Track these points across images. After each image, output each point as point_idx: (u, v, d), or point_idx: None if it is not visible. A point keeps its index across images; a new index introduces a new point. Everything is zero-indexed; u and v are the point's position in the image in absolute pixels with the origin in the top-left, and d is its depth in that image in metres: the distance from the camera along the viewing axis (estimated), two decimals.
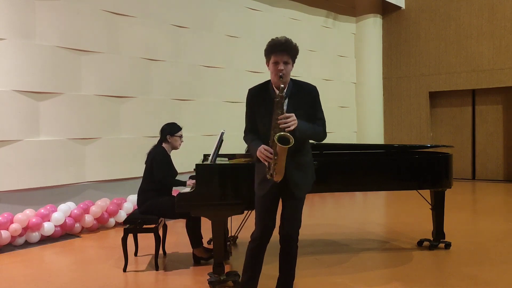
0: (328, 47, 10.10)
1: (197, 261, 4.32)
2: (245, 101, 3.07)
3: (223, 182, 3.63)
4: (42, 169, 5.50)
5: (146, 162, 4.41)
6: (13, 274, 4.14)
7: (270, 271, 3.45)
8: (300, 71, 8.50)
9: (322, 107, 3.04)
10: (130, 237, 4.31)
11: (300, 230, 3.03)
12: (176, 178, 4.44)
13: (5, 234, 4.88)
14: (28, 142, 5.39)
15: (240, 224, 4.77)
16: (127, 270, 4.11)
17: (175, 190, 4.38)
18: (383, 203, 7.96)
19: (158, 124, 4.56)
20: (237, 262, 4.26)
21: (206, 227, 4.12)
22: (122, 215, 5.91)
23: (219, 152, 4.08)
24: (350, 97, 10.80)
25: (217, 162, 3.89)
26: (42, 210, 5.28)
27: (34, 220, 5.11)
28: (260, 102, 2.96)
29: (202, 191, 3.59)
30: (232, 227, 4.86)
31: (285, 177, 2.84)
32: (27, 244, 5.16)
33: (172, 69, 7.02)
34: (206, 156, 4.62)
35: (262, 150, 2.80)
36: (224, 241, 3.75)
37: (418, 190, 4.62)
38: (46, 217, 5.27)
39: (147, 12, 6.68)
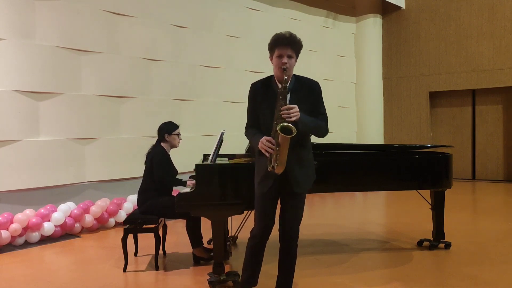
0: (328, 47, 10.10)
1: (197, 261, 4.32)
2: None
3: (223, 182, 3.63)
4: (42, 169, 5.50)
5: (145, 163, 4.41)
6: (13, 274, 4.14)
7: (270, 270, 3.45)
8: (300, 71, 8.47)
9: None
10: (130, 237, 4.31)
11: (300, 230, 3.03)
12: (176, 177, 4.44)
13: (5, 234, 4.88)
14: (28, 142, 5.39)
15: (240, 224, 4.77)
16: (127, 270, 4.11)
17: (175, 190, 4.38)
18: (383, 203, 7.96)
19: (158, 124, 4.56)
20: (237, 262, 4.26)
21: (206, 227, 4.12)
22: (122, 215, 5.91)
23: (219, 152, 4.08)
24: (350, 97, 10.80)
25: (217, 162, 3.89)
26: (42, 210, 5.28)
27: (34, 220, 5.11)
28: (263, 96, 2.96)
29: (202, 191, 3.58)
30: (232, 227, 4.86)
31: (286, 172, 2.83)
32: (27, 244, 5.16)
33: (172, 69, 7.02)
34: (206, 156, 4.62)
35: (264, 141, 2.79)
36: (224, 241, 3.75)
37: (418, 190, 4.62)
38: (46, 217, 5.27)
39: (147, 12, 6.68)
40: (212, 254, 4.14)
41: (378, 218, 6.80)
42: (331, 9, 10.22)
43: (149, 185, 4.31)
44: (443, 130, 10.61)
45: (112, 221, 5.93)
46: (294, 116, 2.71)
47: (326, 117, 3.02)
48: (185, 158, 5.71)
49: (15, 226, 4.96)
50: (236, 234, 4.93)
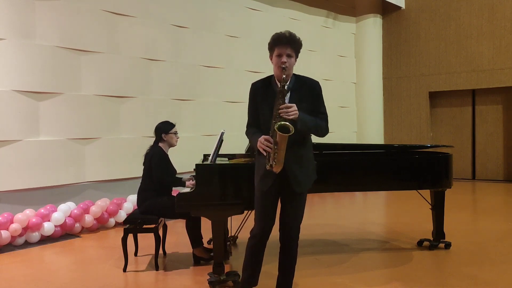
0: (328, 47, 10.10)
1: (197, 261, 4.32)
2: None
3: (223, 182, 3.63)
4: (42, 169, 5.50)
5: (144, 163, 4.41)
6: (13, 274, 4.14)
7: (270, 270, 3.45)
8: (300, 71, 8.47)
9: None
10: (130, 237, 4.31)
11: (300, 230, 3.03)
12: (176, 176, 4.44)
13: (5, 234, 4.88)
14: (28, 142, 5.39)
15: (240, 224, 4.77)
16: (127, 270, 4.11)
17: (175, 190, 4.38)
18: (383, 203, 7.96)
19: None
20: (237, 262, 4.26)
21: (206, 227, 4.12)
22: (122, 215, 5.91)
23: (219, 152, 4.08)
24: (350, 97, 10.80)
25: (217, 162, 3.89)
26: (42, 210, 5.28)
27: (34, 220, 5.11)
28: (263, 95, 2.96)
29: (202, 191, 3.59)
30: (232, 227, 4.86)
31: (285, 171, 2.83)
32: (27, 244, 5.16)
33: (172, 69, 7.02)
34: (206, 156, 4.62)
35: (262, 140, 2.81)
36: (224, 241, 3.75)
37: (418, 190, 4.62)
38: (46, 217, 5.27)
39: (147, 12, 6.68)
40: (212, 254, 4.14)
41: (378, 218, 6.80)
42: (331, 9, 10.23)
43: (148, 185, 4.31)
44: (443, 130, 10.61)
45: (112, 221, 5.93)
46: (292, 115, 2.71)
47: (326, 116, 3.01)
48: (185, 158, 5.71)
49: (15, 226, 4.96)
50: (236, 234, 4.93)
